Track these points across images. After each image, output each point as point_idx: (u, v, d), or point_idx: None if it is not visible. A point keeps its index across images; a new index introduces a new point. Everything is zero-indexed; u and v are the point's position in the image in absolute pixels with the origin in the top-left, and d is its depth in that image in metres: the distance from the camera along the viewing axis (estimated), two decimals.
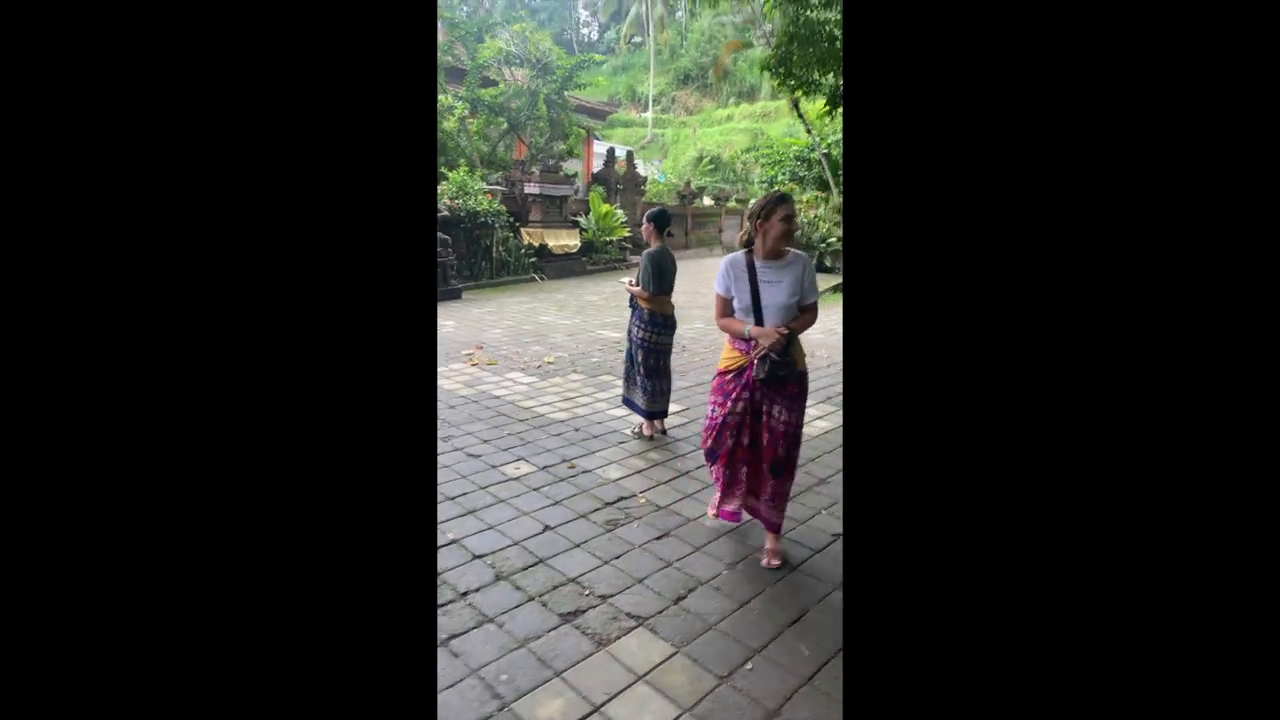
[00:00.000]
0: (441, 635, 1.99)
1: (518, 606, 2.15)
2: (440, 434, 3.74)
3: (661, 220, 3.63)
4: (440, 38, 13.93)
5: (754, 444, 2.42)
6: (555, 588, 2.27)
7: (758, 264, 2.36)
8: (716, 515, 2.62)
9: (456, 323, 7.32)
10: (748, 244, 2.40)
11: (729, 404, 2.40)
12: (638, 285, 3.64)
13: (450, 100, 12.67)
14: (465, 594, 2.21)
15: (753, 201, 2.42)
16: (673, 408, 4.11)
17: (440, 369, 5.23)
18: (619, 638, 2.01)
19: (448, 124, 12.51)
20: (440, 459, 3.38)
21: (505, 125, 13.96)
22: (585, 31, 41.23)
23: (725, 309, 2.46)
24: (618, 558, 2.48)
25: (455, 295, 9.13)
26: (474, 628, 2.04)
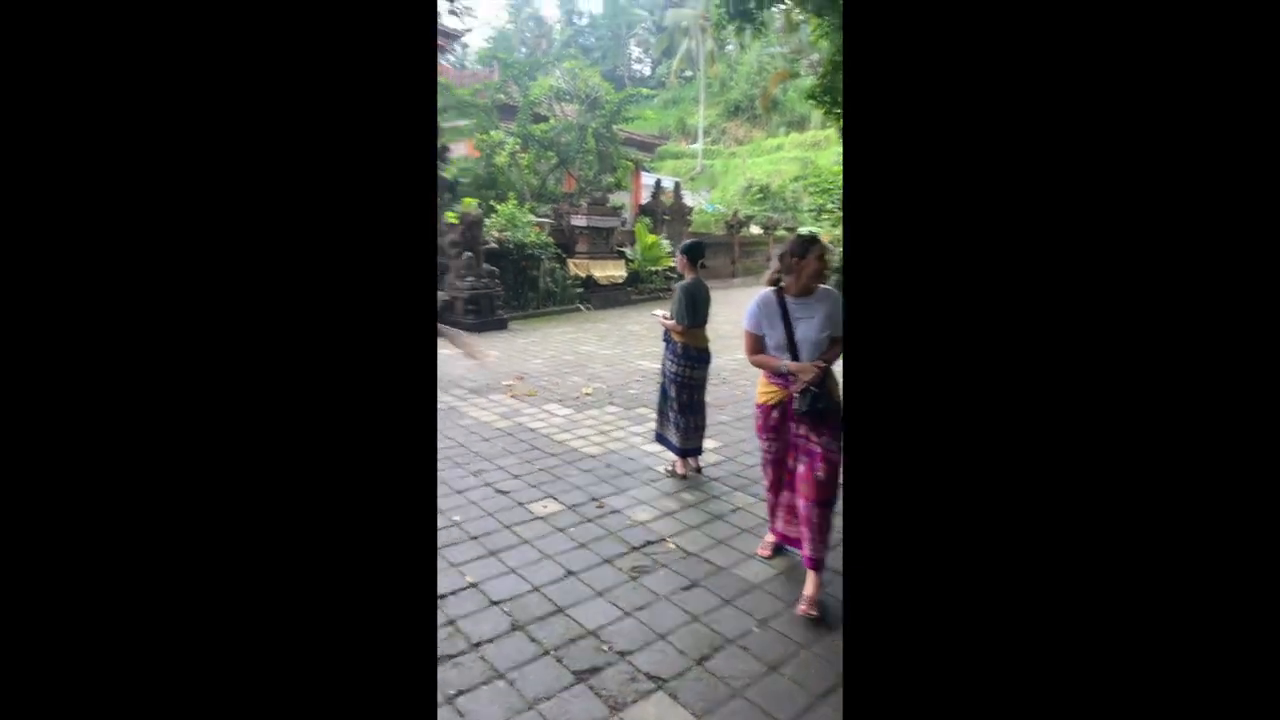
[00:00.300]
0: (449, 690, 1.89)
1: (531, 661, 2.03)
2: (471, 468, 3.70)
3: (694, 252, 3.54)
4: (494, 77, 14.47)
5: (795, 474, 2.41)
6: (572, 641, 2.14)
7: (789, 301, 2.35)
8: (770, 554, 2.66)
9: (501, 352, 7.38)
10: (775, 282, 2.38)
11: (780, 437, 2.43)
12: (671, 318, 3.54)
13: (502, 136, 13.08)
14: (478, 644, 2.11)
15: (794, 236, 2.42)
16: (709, 444, 3.96)
17: (479, 400, 5.23)
18: (635, 702, 1.86)
19: (499, 159, 12.89)
20: (468, 494, 3.32)
21: (555, 159, 14.30)
22: (638, 68, 42.36)
23: (756, 346, 2.45)
24: (640, 609, 2.33)
25: (501, 325, 9.26)
26: (482, 684, 1.93)
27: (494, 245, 10.11)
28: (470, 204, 10.02)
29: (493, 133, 12.90)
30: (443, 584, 2.45)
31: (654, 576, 2.56)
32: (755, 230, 18.51)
